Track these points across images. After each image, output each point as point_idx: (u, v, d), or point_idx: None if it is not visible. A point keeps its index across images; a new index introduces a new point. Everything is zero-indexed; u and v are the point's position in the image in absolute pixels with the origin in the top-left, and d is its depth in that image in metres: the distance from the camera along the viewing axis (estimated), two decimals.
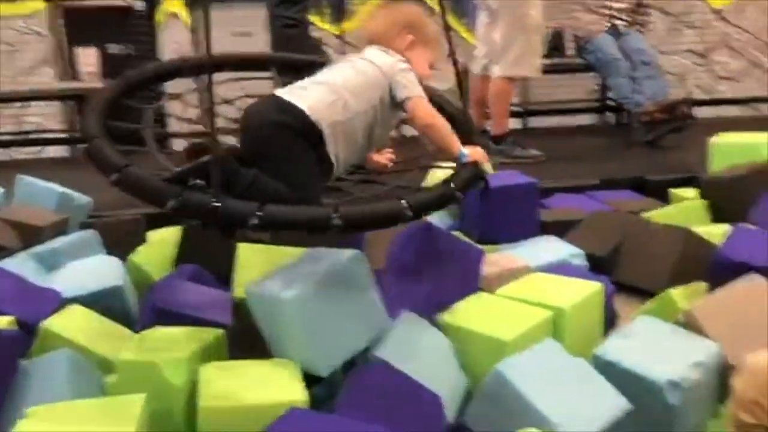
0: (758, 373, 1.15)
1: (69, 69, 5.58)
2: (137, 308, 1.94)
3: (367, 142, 1.67)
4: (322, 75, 1.68)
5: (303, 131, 1.56)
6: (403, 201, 1.48)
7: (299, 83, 1.67)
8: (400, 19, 1.74)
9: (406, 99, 1.62)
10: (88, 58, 5.38)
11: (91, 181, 1.96)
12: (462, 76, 1.93)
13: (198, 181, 1.43)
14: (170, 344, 1.46)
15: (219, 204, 1.39)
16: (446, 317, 1.59)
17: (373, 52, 1.70)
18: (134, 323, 1.81)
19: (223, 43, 5.43)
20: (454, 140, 1.65)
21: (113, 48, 5.48)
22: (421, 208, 1.50)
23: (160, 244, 2.17)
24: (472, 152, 1.66)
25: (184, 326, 1.58)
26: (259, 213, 1.39)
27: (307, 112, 1.56)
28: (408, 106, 1.63)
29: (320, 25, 4.81)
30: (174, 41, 5.57)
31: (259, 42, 4.92)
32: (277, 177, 1.52)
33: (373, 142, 1.69)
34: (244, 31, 4.93)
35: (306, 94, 1.61)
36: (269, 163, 1.53)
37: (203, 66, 1.90)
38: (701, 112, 5.03)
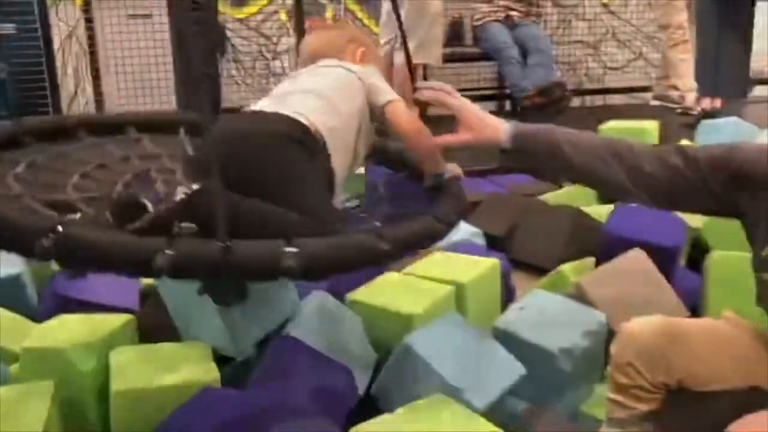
0: (632, 337, 1.27)
1: None
2: (36, 300, 1.88)
3: (354, 156, 1.45)
4: (291, 85, 1.46)
5: (303, 141, 1.30)
6: (433, 217, 1.30)
7: (267, 99, 1.43)
8: (346, 33, 1.64)
9: (388, 103, 1.44)
10: None
11: None
12: None
13: (184, 224, 1.04)
14: (77, 331, 1.44)
15: (232, 249, 1.00)
16: (355, 295, 1.64)
17: (334, 62, 1.53)
18: (35, 315, 1.76)
19: (120, 26, 5.25)
20: (439, 152, 1.47)
21: None
22: (451, 223, 1.36)
23: None
24: (452, 167, 1.50)
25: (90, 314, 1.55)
26: (291, 249, 1.03)
27: (301, 118, 1.31)
28: (390, 111, 1.44)
29: (221, 9, 4.73)
30: (65, 22, 5.32)
31: (159, 25, 4.79)
32: (285, 204, 1.19)
33: (357, 157, 1.47)
34: (143, 13, 4.77)
35: (289, 102, 1.36)
36: (270, 187, 1.21)
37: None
38: (591, 101, 5.33)
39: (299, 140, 1.30)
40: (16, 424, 1.13)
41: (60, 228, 1.02)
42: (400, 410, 1.22)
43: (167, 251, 1.00)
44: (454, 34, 4.67)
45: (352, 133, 1.42)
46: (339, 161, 1.37)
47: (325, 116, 1.36)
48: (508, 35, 4.18)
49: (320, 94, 1.40)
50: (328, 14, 5.12)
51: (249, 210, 1.14)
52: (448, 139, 1.39)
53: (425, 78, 5.15)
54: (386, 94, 1.46)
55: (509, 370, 1.44)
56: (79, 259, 1.05)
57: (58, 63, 5.37)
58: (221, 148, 1.17)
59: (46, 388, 1.24)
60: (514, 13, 4.27)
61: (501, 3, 4.28)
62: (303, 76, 1.50)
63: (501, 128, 1.36)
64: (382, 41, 3.64)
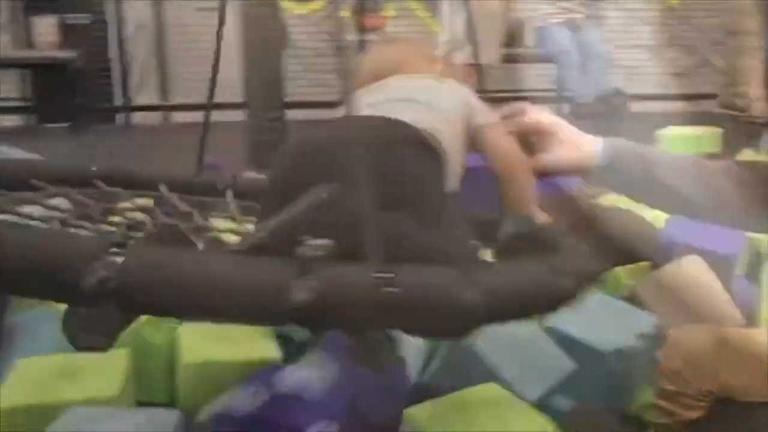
0: (680, 345, 1.28)
1: (25, 37, 5.50)
2: None
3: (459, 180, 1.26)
4: (391, 94, 1.21)
5: (436, 153, 1.09)
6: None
7: (364, 107, 1.14)
8: (417, 47, 1.46)
9: (488, 124, 1.25)
10: (46, 27, 5.32)
11: (48, 149, 1.92)
12: None
13: (311, 241, 0.67)
14: None
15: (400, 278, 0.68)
16: None
17: (424, 74, 1.32)
18: None
19: (192, 19, 5.41)
20: (534, 193, 1.27)
21: (72, 18, 5.42)
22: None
23: None
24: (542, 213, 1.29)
25: None
26: (472, 281, 0.72)
27: (429, 129, 1.10)
28: (490, 134, 1.25)
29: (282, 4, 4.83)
30: (136, 13, 5.52)
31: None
32: (418, 223, 0.93)
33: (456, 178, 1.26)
34: (211, 6, 4.91)
35: (403, 111, 1.12)
36: (411, 203, 0.95)
37: None
38: (651, 107, 5.26)
39: (433, 151, 1.08)
40: (95, 387, 1.22)
41: (118, 248, 0.64)
42: (450, 396, 1.27)
43: (308, 281, 0.64)
44: (514, 34, 4.67)
45: (459, 152, 1.20)
46: (453, 183, 1.18)
47: (442, 132, 1.14)
48: (569, 38, 4.17)
49: (423, 104, 1.18)
50: (388, 12, 5.17)
51: (393, 227, 0.84)
52: (548, 159, 1.25)
53: (481, 78, 5.19)
54: (485, 114, 1.28)
55: (559, 365, 1.46)
56: (158, 297, 0.64)
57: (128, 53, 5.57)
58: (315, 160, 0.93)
59: (122, 356, 1.32)
60: (575, 15, 4.25)
61: (563, 5, 4.26)
62: (399, 85, 1.28)
63: (595, 143, 1.28)
64: (442, 40, 3.68)
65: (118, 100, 5.59)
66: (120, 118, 5.64)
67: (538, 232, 1.11)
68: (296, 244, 0.68)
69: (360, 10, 4.22)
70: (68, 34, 5.33)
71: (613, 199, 2.62)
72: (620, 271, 1.93)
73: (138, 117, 5.61)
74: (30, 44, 5.36)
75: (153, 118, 5.54)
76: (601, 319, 1.64)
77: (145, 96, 5.56)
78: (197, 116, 4.75)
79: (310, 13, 5.25)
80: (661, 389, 1.30)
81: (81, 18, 5.53)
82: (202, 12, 4.86)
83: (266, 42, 3.23)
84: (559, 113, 4.99)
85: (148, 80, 5.54)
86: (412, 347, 1.55)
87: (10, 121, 5.52)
